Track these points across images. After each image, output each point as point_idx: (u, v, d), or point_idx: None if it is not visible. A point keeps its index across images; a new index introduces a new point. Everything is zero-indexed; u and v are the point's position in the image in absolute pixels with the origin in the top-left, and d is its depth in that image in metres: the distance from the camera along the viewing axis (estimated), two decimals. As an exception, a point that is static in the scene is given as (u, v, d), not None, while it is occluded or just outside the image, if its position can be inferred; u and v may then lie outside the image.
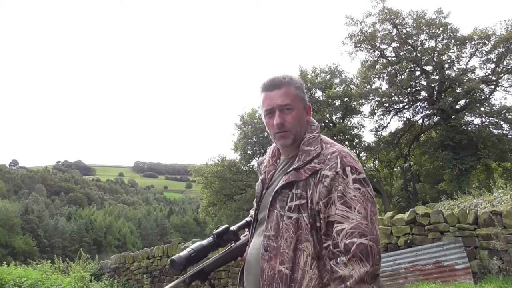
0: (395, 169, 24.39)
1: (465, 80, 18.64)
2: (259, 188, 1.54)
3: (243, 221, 1.63)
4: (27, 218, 47.72)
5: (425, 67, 20.28)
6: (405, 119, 21.98)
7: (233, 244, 1.55)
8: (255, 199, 1.55)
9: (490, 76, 19.33)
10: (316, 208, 1.30)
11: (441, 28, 19.91)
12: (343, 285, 1.21)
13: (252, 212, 1.66)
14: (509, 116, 18.45)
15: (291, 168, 1.39)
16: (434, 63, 19.73)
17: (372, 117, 21.91)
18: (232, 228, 1.57)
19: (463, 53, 19.98)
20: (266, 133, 22.16)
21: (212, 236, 1.52)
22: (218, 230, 1.53)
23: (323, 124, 21.42)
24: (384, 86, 21.47)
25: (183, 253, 1.43)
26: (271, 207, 1.40)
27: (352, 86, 22.52)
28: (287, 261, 1.31)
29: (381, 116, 21.87)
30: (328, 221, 1.28)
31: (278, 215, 1.37)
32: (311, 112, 1.51)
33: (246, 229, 1.63)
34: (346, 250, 1.23)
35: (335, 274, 1.24)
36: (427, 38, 20.44)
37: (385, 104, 21.09)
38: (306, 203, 1.32)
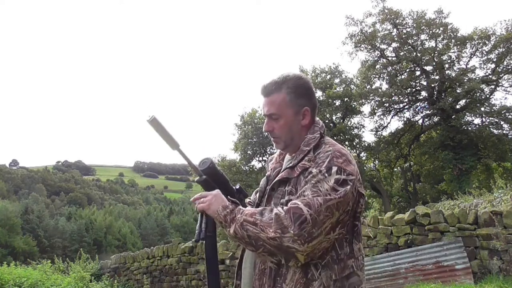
0: (395, 169, 24.38)
1: (465, 80, 18.64)
2: (263, 184, 1.57)
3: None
4: (27, 218, 47.73)
5: (425, 67, 20.29)
6: (405, 119, 22.01)
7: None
8: (258, 194, 1.59)
9: (490, 76, 19.34)
10: None
11: (441, 28, 19.92)
12: (277, 212, 1.25)
13: (247, 200, 1.71)
14: (509, 116, 18.46)
15: (287, 166, 1.44)
16: (434, 63, 19.74)
17: (372, 117, 21.94)
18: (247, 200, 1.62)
19: (463, 53, 20.00)
20: (266, 133, 22.18)
21: (236, 185, 1.54)
22: (242, 188, 1.55)
23: (324, 125, 21.41)
24: (384, 86, 21.51)
25: (219, 167, 1.46)
26: (267, 204, 1.45)
27: (352, 86, 22.51)
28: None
29: (381, 116, 21.90)
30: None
31: None
32: (309, 114, 1.47)
33: None
34: (286, 206, 1.28)
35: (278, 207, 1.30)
36: (427, 38, 20.45)
37: (385, 104, 21.10)
38: None
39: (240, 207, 1.35)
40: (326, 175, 1.28)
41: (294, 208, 1.23)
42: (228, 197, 1.39)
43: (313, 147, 1.41)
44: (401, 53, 20.69)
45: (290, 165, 1.42)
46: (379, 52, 21.24)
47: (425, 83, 20.38)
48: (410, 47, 20.38)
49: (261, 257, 1.36)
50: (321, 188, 1.26)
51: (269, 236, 1.23)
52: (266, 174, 1.61)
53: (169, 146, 1.36)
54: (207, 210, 1.36)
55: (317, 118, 1.53)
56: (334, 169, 1.29)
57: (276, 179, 1.44)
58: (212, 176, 1.42)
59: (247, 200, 1.73)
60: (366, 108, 31.02)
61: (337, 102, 22.25)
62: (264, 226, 1.25)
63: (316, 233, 1.22)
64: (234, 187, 1.51)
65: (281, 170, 1.50)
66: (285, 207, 1.27)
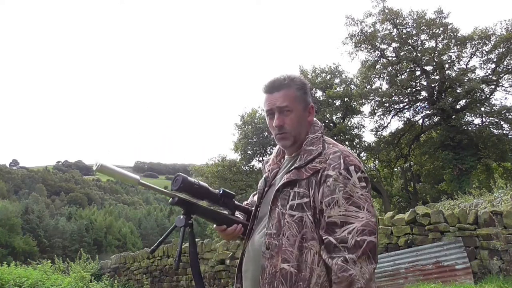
0: (395, 169, 24.38)
1: (465, 80, 18.63)
2: (262, 185, 1.56)
3: (245, 206, 1.63)
4: (27, 218, 47.75)
5: (425, 67, 20.28)
6: (405, 119, 22.00)
7: (226, 212, 1.53)
8: (257, 195, 1.57)
9: (490, 76, 19.33)
10: (319, 207, 1.31)
11: (441, 28, 19.92)
12: (348, 273, 1.22)
13: (245, 202, 1.69)
14: (510, 116, 18.45)
15: (292, 167, 1.42)
16: (434, 63, 19.73)
17: (372, 117, 21.92)
18: (236, 202, 1.58)
19: (463, 53, 19.99)
20: (266, 133, 22.19)
21: (219, 190, 1.51)
22: (227, 190, 1.52)
23: (323, 124, 21.37)
24: (385, 86, 21.49)
25: (191, 178, 1.41)
26: (273, 206, 1.41)
27: (352, 86, 22.50)
28: (292, 259, 1.31)
29: (381, 116, 21.89)
30: (329, 221, 1.28)
31: (279, 213, 1.38)
32: (314, 112, 1.51)
33: (238, 213, 1.61)
34: (356, 246, 1.23)
35: (344, 273, 1.23)
36: (427, 38, 20.45)
37: (385, 104, 21.09)
38: (309, 202, 1.33)
39: None
40: (348, 176, 1.30)
41: (367, 245, 1.24)
42: None
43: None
44: (401, 53, 20.68)
45: (297, 165, 1.40)
46: (379, 52, 21.24)
47: (425, 83, 20.37)
48: (410, 47, 20.37)
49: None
50: (352, 194, 1.28)
51: None
52: (264, 176, 1.60)
53: (129, 183, 1.33)
54: None
55: (315, 119, 1.53)
56: (352, 168, 1.31)
57: (285, 180, 1.40)
58: (188, 191, 1.40)
59: (244, 202, 1.71)
60: (366, 108, 31.01)
61: (337, 102, 22.24)
62: None
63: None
64: (217, 192, 1.49)
65: (282, 171, 1.49)
66: (350, 256, 1.23)
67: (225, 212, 1.53)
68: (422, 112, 21.55)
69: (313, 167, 1.36)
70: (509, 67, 18.90)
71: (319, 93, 22.13)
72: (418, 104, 21.52)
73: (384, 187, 22.60)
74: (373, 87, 21.38)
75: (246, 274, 1.47)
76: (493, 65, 19.31)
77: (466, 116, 19.32)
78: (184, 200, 1.39)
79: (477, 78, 19.03)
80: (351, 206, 1.26)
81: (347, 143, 21.67)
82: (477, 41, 19.31)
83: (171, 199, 1.40)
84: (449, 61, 20.09)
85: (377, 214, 15.31)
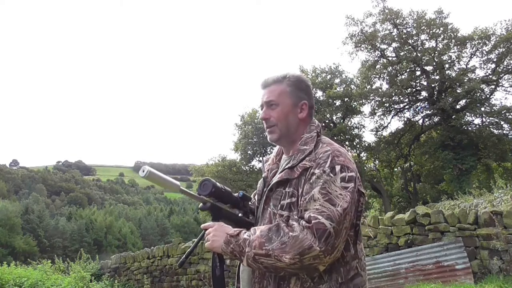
0: (396, 169, 24.36)
1: (465, 80, 18.63)
2: (261, 185, 1.56)
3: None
4: (27, 218, 47.78)
5: (425, 67, 20.26)
6: (405, 119, 22.00)
7: (242, 216, 1.52)
8: (257, 196, 1.57)
9: (490, 76, 19.33)
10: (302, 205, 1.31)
11: (441, 28, 19.92)
12: (292, 234, 1.21)
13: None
14: (510, 116, 18.45)
15: (286, 167, 1.41)
16: (434, 63, 19.72)
17: (372, 117, 21.91)
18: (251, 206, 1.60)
19: (464, 53, 19.99)
20: (266, 133, 22.20)
21: (239, 193, 1.51)
22: (246, 194, 1.52)
23: (323, 124, 21.40)
24: (385, 86, 21.49)
25: (218, 183, 1.41)
26: (265, 205, 1.42)
27: (352, 86, 22.48)
28: None
29: (382, 116, 21.88)
30: (303, 215, 1.28)
31: (271, 213, 1.38)
32: (307, 108, 1.48)
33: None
34: (307, 220, 1.23)
35: (289, 222, 1.27)
36: (428, 38, 20.44)
37: (385, 104, 21.08)
38: (297, 201, 1.33)
39: (245, 237, 1.28)
40: (331, 175, 1.28)
41: (317, 223, 1.20)
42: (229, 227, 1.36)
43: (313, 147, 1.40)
44: (401, 53, 20.67)
45: (289, 165, 1.40)
46: (379, 52, 21.23)
47: (425, 83, 20.36)
48: (410, 47, 20.36)
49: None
50: (330, 190, 1.25)
51: (287, 263, 1.20)
52: (263, 176, 1.59)
53: (170, 190, 1.35)
54: (212, 248, 1.34)
55: (314, 119, 1.52)
56: (338, 167, 1.29)
57: (275, 180, 1.40)
58: (216, 196, 1.40)
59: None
60: (366, 108, 30.99)
61: (337, 102, 22.23)
62: (279, 255, 1.21)
63: (337, 243, 1.23)
64: (237, 196, 1.49)
65: (279, 171, 1.48)
66: (303, 222, 1.23)
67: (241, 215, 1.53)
68: (422, 112, 21.58)
69: (302, 166, 1.35)
70: (509, 67, 18.90)
71: (319, 93, 22.11)
72: (418, 104, 21.52)
73: (384, 187, 22.59)
74: (373, 87, 21.38)
75: (242, 274, 1.49)
76: (493, 65, 19.31)
77: (466, 116, 19.30)
78: (215, 205, 1.40)
79: (477, 78, 19.02)
80: (326, 202, 1.24)
81: (347, 143, 21.65)
82: (477, 41, 19.31)
83: (201, 204, 1.39)
84: (449, 61, 20.08)
85: (377, 214, 15.31)
